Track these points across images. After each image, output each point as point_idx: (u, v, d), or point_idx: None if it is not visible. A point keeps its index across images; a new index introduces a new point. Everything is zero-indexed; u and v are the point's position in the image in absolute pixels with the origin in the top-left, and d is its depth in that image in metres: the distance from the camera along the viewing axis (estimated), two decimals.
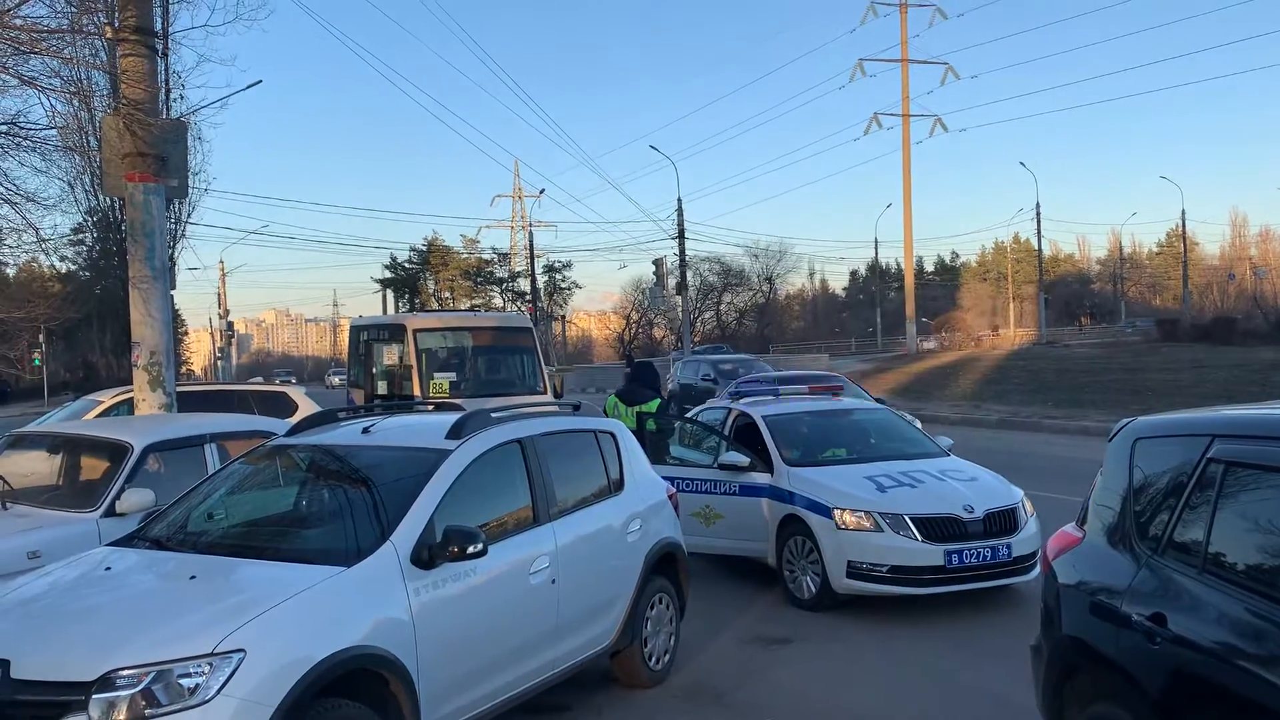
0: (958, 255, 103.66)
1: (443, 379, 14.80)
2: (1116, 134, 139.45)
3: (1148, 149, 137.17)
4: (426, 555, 4.46)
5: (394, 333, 15.95)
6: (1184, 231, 77.80)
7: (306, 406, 12.69)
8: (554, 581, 5.19)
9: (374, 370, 16.49)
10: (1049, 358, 42.71)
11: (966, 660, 6.56)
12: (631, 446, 6.44)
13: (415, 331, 15.09)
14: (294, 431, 5.86)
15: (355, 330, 18.40)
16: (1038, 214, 69.84)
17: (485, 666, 4.74)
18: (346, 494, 5.00)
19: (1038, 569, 7.71)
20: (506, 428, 5.39)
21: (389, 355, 16.10)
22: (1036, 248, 76.21)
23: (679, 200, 46.84)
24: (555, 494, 5.46)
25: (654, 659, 6.18)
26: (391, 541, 4.43)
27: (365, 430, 5.41)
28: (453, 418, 5.28)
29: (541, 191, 76.59)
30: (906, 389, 31.51)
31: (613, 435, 6.28)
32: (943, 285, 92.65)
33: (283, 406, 12.88)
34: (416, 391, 14.54)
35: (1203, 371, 29.37)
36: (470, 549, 4.46)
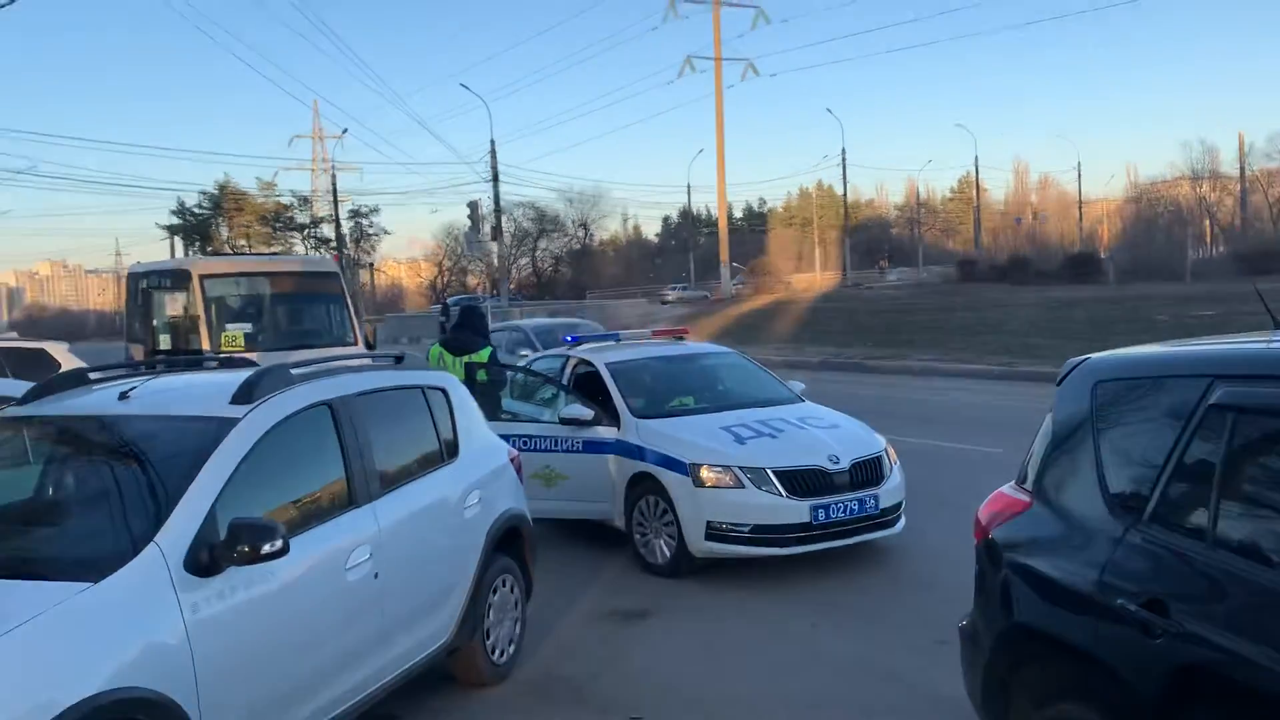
0: (765, 201, 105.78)
1: (236, 331, 13.25)
2: (915, 82, 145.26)
3: (943, 98, 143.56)
4: (207, 558, 3.41)
5: (177, 279, 14.16)
6: (977, 178, 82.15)
7: (71, 366, 10.95)
8: (377, 575, 4.20)
9: (155, 323, 14.66)
10: (859, 299, 44.02)
11: (839, 627, 5.99)
12: (466, 404, 5.46)
13: (202, 277, 13.42)
14: (29, 398, 4.56)
15: (133, 278, 16.37)
16: (843, 160, 72.00)
17: (291, 691, 3.73)
18: (95, 482, 3.82)
19: (903, 521, 7.27)
20: (311, 387, 4.31)
21: (172, 305, 14.31)
22: (841, 193, 78.67)
23: (492, 142, 44.99)
24: (376, 466, 4.44)
25: (497, 651, 5.29)
26: (157, 543, 3.34)
27: (123, 395, 4.20)
28: (240, 376, 4.16)
29: (344, 131, 72.74)
30: (727, 332, 31.45)
31: (443, 391, 5.28)
32: (752, 231, 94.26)
33: (44, 367, 11.11)
34: (206, 345, 12.94)
35: (1007, 310, 30.69)
36: (266, 547, 3.42)
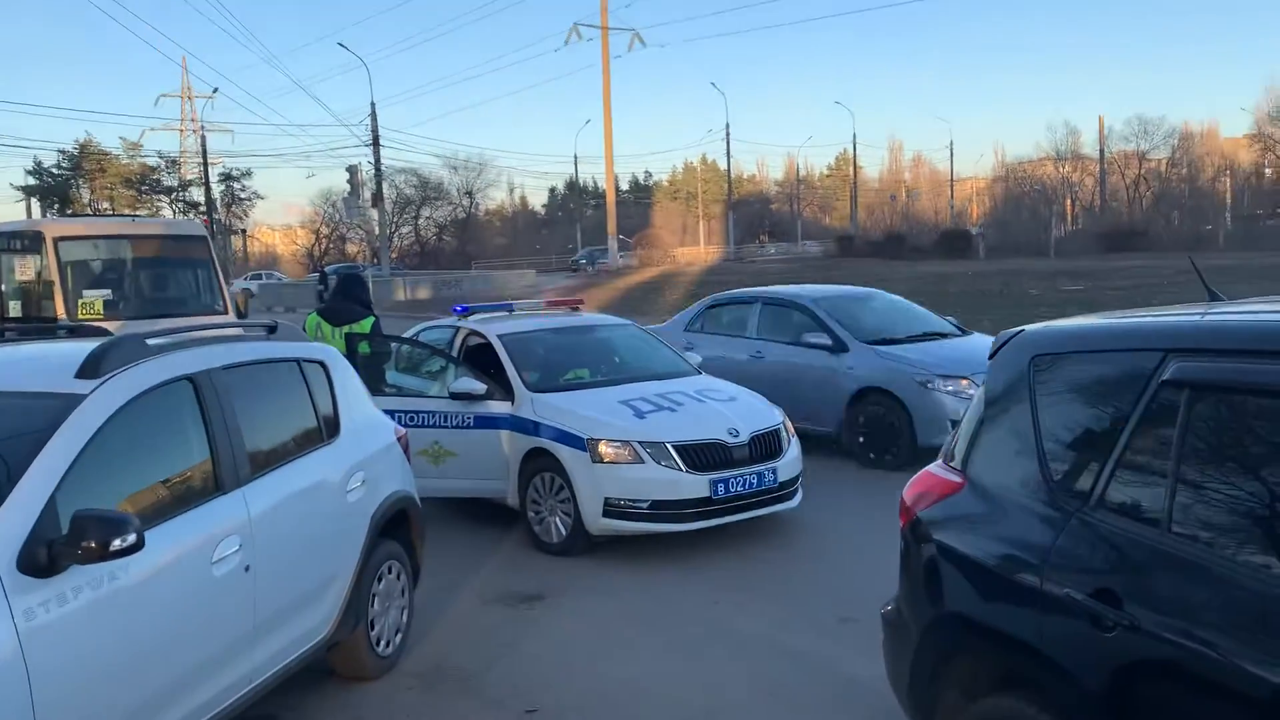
0: (650, 174, 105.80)
1: (94, 297, 12.30)
2: (797, 58, 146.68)
3: (823, 75, 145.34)
4: (45, 557, 2.95)
5: (29, 241, 13.06)
6: (855, 156, 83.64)
7: None
8: (248, 568, 3.79)
9: (3, 288, 13.56)
10: (744, 273, 44.32)
11: (742, 605, 5.81)
12: (348, 378, 5.04)
13: (56, 240, 12.41)
14: None
15: None
16: (727, 135, 72.39)
17: (149, 702, 3.30)
18: None
19: (800, 494, 7.15)
20: (171, 359, 3.85)
21: (23, 269, 13.22)
22: (725, 168, 79.21)
23: (372, 105, 43.36)
24: (246, 448, 4.00)
25: (382, 643, 4.92)
26: None
27: None
28: (87, 347, 3.68)
29: (215, 91, 69.41)
30: (616, 304, 31.19)
31: (322, 365, 4.84)
32: (637, 203, 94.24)
33: None
34: (61, 313, 11.99)
35: (886, 284, 31.07)
36: (116, 543, 2.98)
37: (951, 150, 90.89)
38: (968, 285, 29.89)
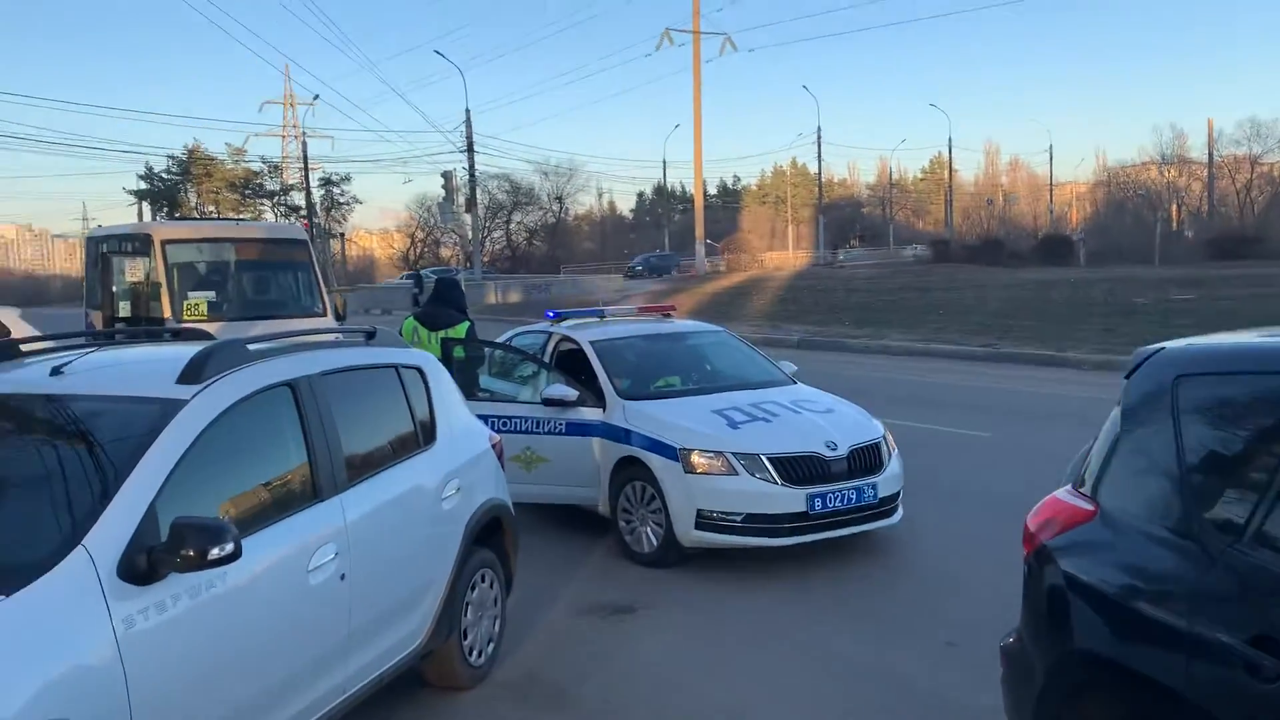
0: (739, 179, 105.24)
1: (199, 299, 12.65)
2: (890, 61, 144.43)
3: (917, 77, 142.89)
4: (145, 564, 2.94)
5: (139, 244, 13.53)
6: (950, 159, 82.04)
7: (21, 333, 10.32)
8: (344, 577, 3.75)
9: (115, 289, 14.04)
10: (834, 278, 43.79)
11: (842, 626, 5.61)
12: (445, 385, 5.00)
13: (164, 243, 12.80)
14: None
15: (92, 242, 15.71)
16: (819, 138, 71.49)
17: (242, 712, 3.28)
18: (13, 473, 3.30)
19: (900, 510, 6.91)
20: (271, 365, 3.84)
21: (133, 271, 13.70)
22: (815, 172, 78.23)
23: (467, 111, 44.04)
24: (343, 454, 3.98)
25: (475, 652, 4.86)
26: (85, 546, 2.87)
27: (56, 371, 3.70)
28: (190, 352, 3.68)
29: (316, 98, 71.44)
30: (703, 309, 31.01)
31: (420, 371, 4.81)
32: (725, 208, 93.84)
33: None
34: (167, 314, 12.36)
35: (983, 290, 30.51)
36: (214, 551, 2.95)
37: (1051, 154, 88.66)
38: (1069, 293, 28.90)
